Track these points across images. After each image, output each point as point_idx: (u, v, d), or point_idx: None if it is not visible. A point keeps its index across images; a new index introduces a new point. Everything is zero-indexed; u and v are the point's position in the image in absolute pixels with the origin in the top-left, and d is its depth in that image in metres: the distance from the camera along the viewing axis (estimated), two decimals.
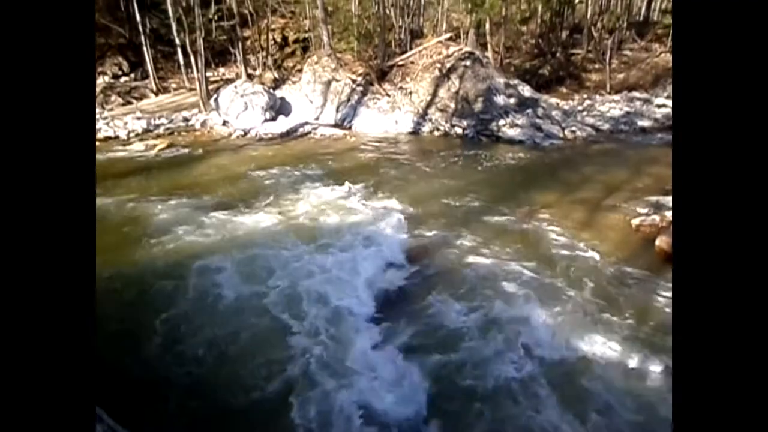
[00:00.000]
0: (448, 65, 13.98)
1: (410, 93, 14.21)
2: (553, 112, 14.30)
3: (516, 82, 15.07)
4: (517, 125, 12.96)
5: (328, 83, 14.85)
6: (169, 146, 11.92)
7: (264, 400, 3.67)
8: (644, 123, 13.81)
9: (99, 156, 10.81)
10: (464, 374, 3.90)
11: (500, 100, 13.73)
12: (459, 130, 13.22)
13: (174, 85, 18.83)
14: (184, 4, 15.95)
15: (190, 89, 17.68)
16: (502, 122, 13.11)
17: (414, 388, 3.76)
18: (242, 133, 13.22)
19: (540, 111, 13.93)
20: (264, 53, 20.64)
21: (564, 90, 18.96)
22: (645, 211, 7.04)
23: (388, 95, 14.45)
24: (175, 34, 16.80)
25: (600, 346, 4.18)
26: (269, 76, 18.60)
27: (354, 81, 14.75)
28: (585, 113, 14.96)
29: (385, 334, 4.43)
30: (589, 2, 21.91)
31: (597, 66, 19.85)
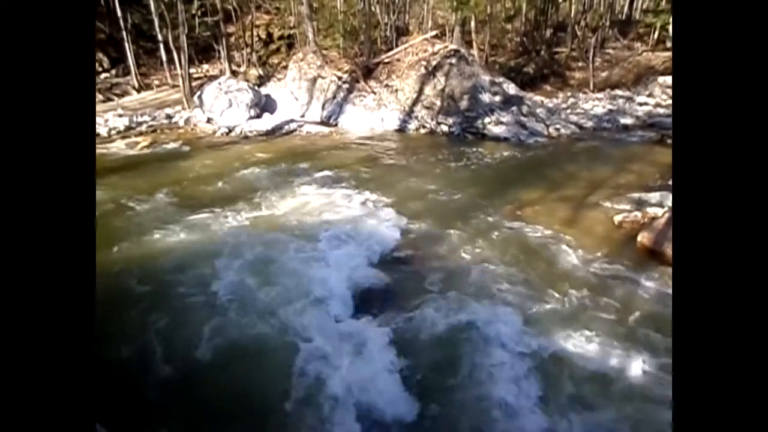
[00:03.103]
0: (433, 63, 14.01)
1: (396, 90, 14.21)
2: (538, 110, 14.43)
3: (501, 79, 15.17)
4: (502, 123, 13.05)
5: (314, 80, 14.77)
6: (152, 144, 11.74)
7: (249, 381, 3.66)
8: (626, 121, 14.01)
9: None
10: (440, 367, 3.95)
11: (486, 97, 13.81)
12: (445, 128, 13.26)
13: (156, 82, 18.55)
14: None
15: (174, 86, 17.43)
16: (487, 120, 13.18)
17: (387, 382, 3.79)
18: (227, 130, 13.07)
19: (525, 109, 14.04)
20: (248, 50, 20.44)
21: (548, 88, 19.17)
22: (627, 207, 7.15)
23: (374, 93, 14.43)
24: (157, 29, 16.55)
25: (581, 341, 4.24)
26: (254, 73, 18.44)
27: (340, 78, 14.69)
28: (569, 111, 15.14)
29: (366, 329, 4.43)
30: (573, 1, 22.14)
31: (581, 64, 20.10)
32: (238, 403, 3.63)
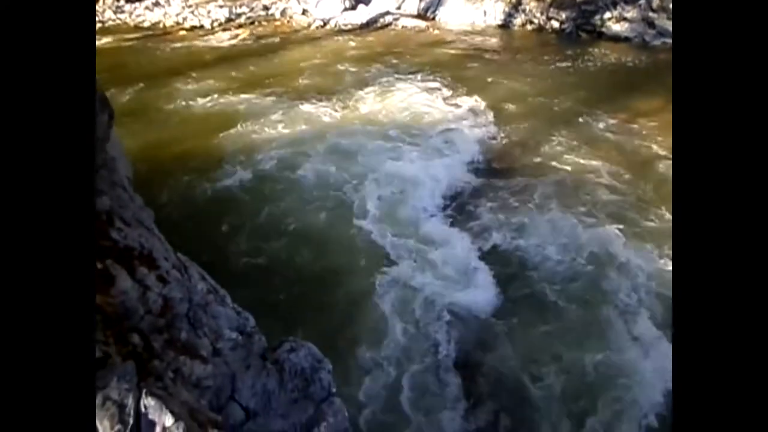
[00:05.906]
0: None
1: None
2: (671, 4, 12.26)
3: None
4: (625, 19, 11.35)
5: None
6: (251, 36, 11.93)
7: (339, 269, 3.98)
8: None
9: (186, 45, 11.13)
10: (526, 271, 4.00)
11: None
12: (555, 24, 11.84)
13: None
14: None
15: None
16: (607, 15, 11.51)
17: (475, 274, 3.97)
18: (322, 23, 12.82)
19: (655, 2, 11.96)
20: None
21: None
22: None
23: None
24: None
25: None
26: None
27: None
28: None
29: (454, 229, 4.51)
30: None
31: None
32: (322, 285, 3.95)
